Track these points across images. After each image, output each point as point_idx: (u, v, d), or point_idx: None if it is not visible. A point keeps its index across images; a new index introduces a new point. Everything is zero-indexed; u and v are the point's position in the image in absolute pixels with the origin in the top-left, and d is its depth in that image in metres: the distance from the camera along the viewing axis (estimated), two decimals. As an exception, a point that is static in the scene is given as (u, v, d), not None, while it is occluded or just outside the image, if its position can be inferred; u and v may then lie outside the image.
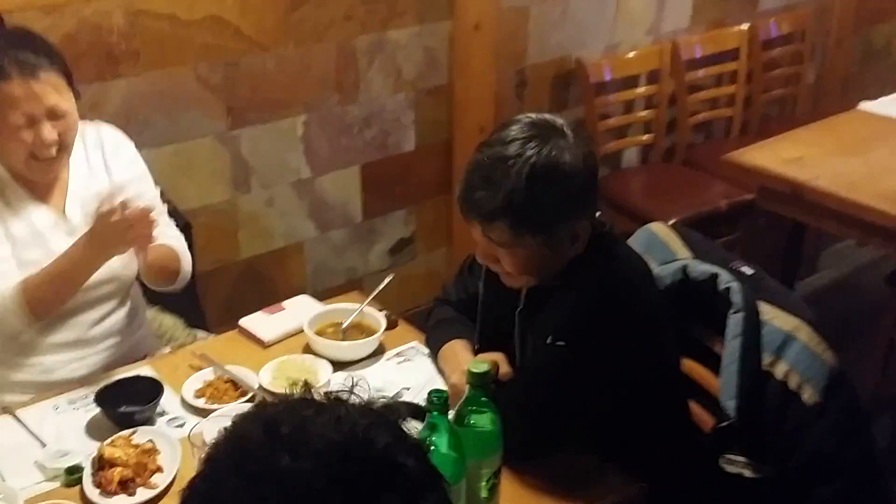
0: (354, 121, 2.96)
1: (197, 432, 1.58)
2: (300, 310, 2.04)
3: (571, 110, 3.47)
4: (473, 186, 1.56)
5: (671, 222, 2.07)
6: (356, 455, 0.79)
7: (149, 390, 1.75)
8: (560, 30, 3.36)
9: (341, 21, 2.84)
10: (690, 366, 1.76)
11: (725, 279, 1.67)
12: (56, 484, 1.57)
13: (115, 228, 1.74)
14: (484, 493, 1.46)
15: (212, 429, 1.55)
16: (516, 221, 1.54)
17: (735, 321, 1.62)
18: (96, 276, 1.89)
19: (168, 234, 2.04)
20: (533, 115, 1.59)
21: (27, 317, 1.82)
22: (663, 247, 1.91)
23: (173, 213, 2.47)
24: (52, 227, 1.91)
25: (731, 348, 1.62)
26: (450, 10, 3.06)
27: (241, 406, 1.74)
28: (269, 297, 2.80)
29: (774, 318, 1.65)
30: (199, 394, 1.79)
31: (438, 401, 1.37)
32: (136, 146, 2.55)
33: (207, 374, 1.85)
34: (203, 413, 1.74)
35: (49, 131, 1.80)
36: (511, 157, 1.52)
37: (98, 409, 1.71)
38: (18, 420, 1.72)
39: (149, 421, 1.72)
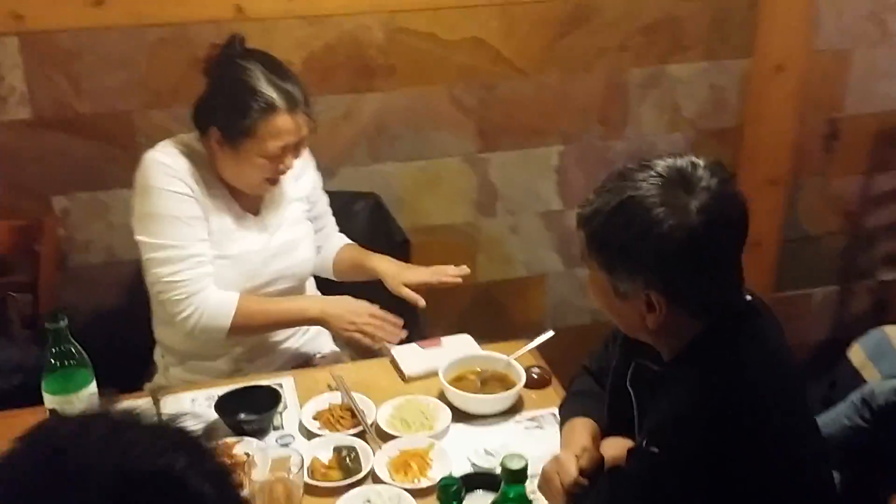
0: (617, 156, 2.78)
1: (280, 456, 1.57)
2: (456, 348, 1.96)
3: (893, 174, 2.98)
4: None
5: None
6: (142, 481, 0.76)
7: (271, 402, 1.77)
8: (891, 79, 2.89)
9: (614, 51, 2.67)
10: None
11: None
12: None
13: (357, 317, 1.90)
14: None
15: (298, 456, 1.54)
16: (589, 237, 1.38)
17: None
18: (273, 272, 1.99)
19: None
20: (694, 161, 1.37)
21: (227, 329, 1.92)
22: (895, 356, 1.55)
23: (397, 230, 2.51)
24: (247, 225, 2.01)
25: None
26: (749, 48, 2.76)
27: (344, 437, 1.70)
28: (503, 325, 2.76)
29: None
30: (317, 416, 1.78)
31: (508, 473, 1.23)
32: (383, 158, 2.63)
33: (336, 397, 1.83)
34: (310, 437, 1.73)
35: (291, 160, 1.91)
36: (626, 182, 1.34)
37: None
38: (156, 404, 1.83)
39: (260, 433, 1.74)
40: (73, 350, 1.60)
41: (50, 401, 1.60)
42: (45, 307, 2.23)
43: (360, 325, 1.90)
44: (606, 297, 1.41)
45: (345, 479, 1.60)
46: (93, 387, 1.62)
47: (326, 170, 2.52)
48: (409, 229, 2.57)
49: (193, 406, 1.84)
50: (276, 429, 1.77)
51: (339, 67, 2.51)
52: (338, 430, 1.74)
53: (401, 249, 2.44)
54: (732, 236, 1.38)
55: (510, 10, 2.55)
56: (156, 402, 1.83)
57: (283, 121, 1.85)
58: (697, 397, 1.33)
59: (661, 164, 1.37)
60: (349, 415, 1.78)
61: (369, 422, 1.74)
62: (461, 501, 1.25)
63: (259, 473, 1.49)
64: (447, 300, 2.77)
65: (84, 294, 2.47)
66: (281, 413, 1.79)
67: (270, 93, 1.83)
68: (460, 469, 1.60)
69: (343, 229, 2.27)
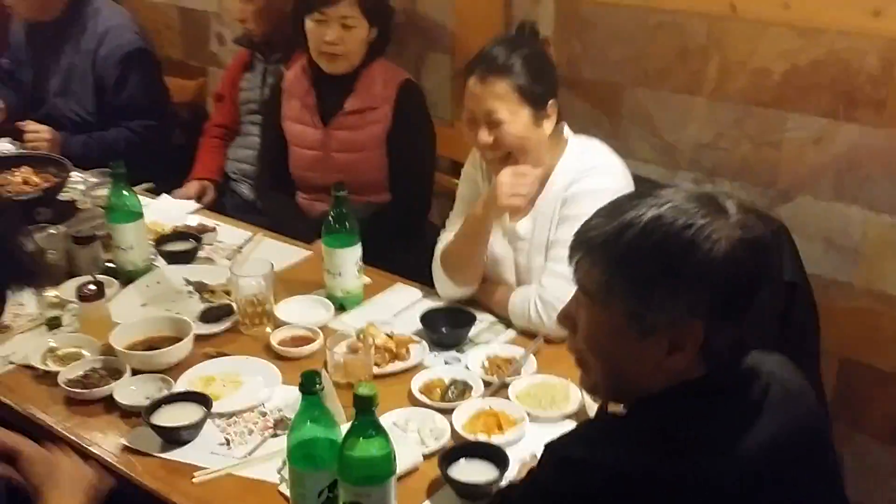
0: None
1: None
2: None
3: None
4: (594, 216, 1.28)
5: None
6: None
7: (467, 321, 2.00)
8: None
9: None
10: None
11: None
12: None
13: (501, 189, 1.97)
14: None
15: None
16: (610, 261, 1.20)
17: None
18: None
19: None
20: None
21: (449, 278, 2.12)
22: None
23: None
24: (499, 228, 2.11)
25: None
26: None
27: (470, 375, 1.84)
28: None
29: None
30: (491, 358, 1.93)
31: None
32: (847, 199, 2.35)
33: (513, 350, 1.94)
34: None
35: (483, 135, 2.00)
36: (649, 199, 1.21)
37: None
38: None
39: (454, 346, 1.97)
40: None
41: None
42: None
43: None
44: (616, 341, 1.22)
45: (436, 399, 1.77)
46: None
47: (782, 193, 2.39)
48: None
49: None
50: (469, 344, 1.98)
51: (821, 88, 2.31)
52: (492, 374, 1.87)
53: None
54: (765, 265, 1.20)
55: None
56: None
57: (472, 85, 1.98)
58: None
59: (684, 186, 1.22)
60: (507, 366, 1.88)
61: (511, 385, 1.82)
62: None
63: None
64: None
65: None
66: (472, 339, 1.98)
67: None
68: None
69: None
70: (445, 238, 2.15)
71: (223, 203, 2.97)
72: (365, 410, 1.35)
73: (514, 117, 1.96)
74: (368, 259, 2.16)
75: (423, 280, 2.22)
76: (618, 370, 1.25)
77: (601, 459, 1.17)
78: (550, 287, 1.94)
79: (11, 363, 1.92)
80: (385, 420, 1.67)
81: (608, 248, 1.19)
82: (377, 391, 1.35)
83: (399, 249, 2.50)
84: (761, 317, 1.20)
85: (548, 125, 2.02)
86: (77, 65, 3.03)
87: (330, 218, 2.06)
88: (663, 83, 2.56)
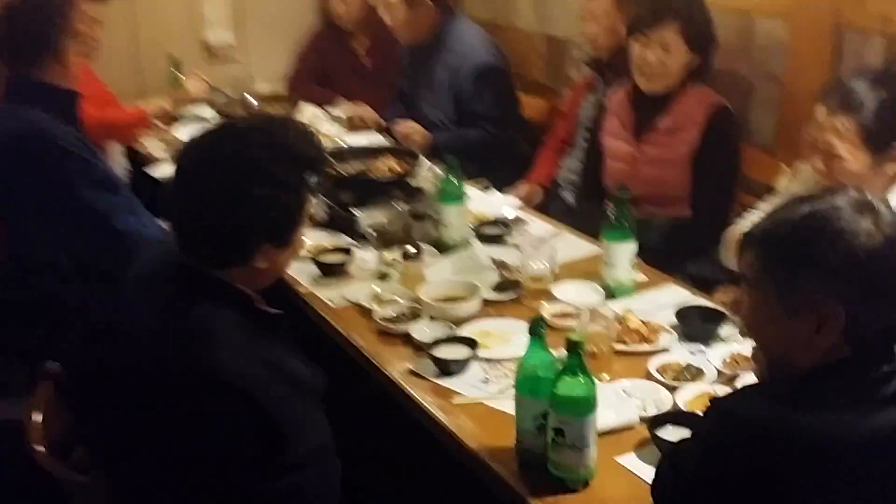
0: None
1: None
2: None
3: None
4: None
5: None
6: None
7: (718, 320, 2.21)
8: None
9: None
10: None
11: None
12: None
13: None
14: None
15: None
16: (766, 253, 1.42)
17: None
18: None
19: None
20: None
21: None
22: None
23: None
24: None
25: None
26: None
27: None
28: None
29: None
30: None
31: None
32: None
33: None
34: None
35: (818, 163, 2.17)
36: (808, 200, 1.41)
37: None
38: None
39: (702, 340, 2.18)
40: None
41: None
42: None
43: None
44: (771, 321, 1.42)
45: (669, 378, 2.02)
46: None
47: None
48: None
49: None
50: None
51: None
52: (730, 369, 2.06)
53: None
54: None
55: None
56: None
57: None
58: None
59: (841, 192, 1.40)
60: (745, 363, 2.06)
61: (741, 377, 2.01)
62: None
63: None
64: None
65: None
66: (723, 337, 2.18)
67: None
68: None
69: None
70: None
71: (549, 206, 3.37)
72: (573, 353, 1.65)
73: (853, 157, 2.07)
74: (661, 266, 2.44)
75: (705, 288, 2.45)
76: (774, 349, 1.44)
77: (750, 413, 1.38)
78: None
79: (347, 300, 2.46)
80: (615, 385, 1.97)
81: (765, 239, 1.40)
82: (584, 338, 1.65)
83: (690, 261, 2.73)
84: None
85: (891, 167, 2.10)
86: (442, 79, 3.63)
87: (611, 216, 2.36)
88: None
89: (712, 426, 1.44)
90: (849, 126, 2.05)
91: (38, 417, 1.81)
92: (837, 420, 1.32)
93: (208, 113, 3.83)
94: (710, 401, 1.49)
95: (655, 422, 1.82)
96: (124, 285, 1.86)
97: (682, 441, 1.59)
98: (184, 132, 3.55)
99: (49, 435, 1.79)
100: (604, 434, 1.81)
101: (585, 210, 3.11)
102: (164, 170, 3.35)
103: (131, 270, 1.89)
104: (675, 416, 1.84)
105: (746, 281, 1.46)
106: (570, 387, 1.66)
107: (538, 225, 2.88)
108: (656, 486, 1.54)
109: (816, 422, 1.32)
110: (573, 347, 1.65)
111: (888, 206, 1.37)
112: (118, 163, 3.50)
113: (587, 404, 1.67)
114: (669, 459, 1.56)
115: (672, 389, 1.97)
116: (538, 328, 1.73)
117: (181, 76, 3.87)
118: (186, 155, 1.81)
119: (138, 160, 3.61)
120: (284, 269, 1.91)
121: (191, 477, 1.65)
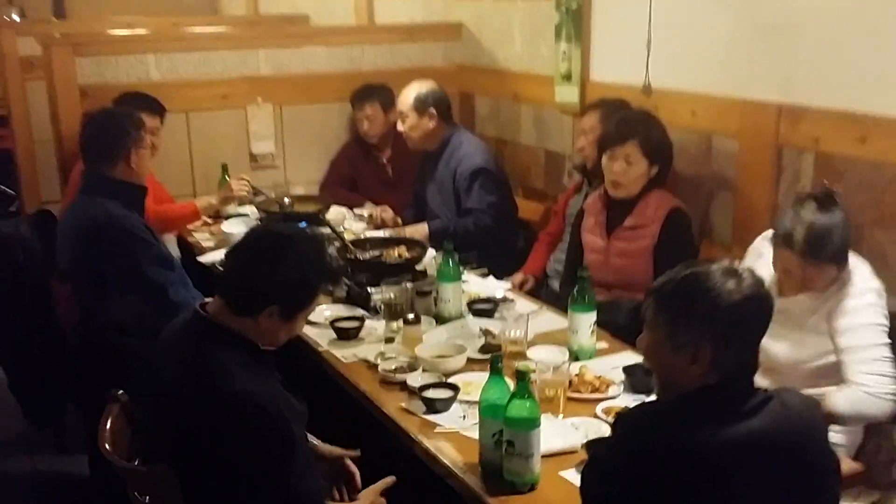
0: None
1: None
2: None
3: None
4: None
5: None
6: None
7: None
8: None
9: None
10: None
11: None
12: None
13: None
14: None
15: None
16: (659, 301, 1.94)
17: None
18: None
19: None
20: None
21: None
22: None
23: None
24: None
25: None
26: None
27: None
28: None
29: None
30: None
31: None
32: None
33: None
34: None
35: (793, 286, 2.71)
36: (691, 266, 1.96)
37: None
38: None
39: (646, 392, 2.67)
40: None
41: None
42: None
43: None
44: (661, 354, 1.93)
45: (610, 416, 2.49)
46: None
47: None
48: None
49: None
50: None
51: None
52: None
53: None
54: (761, 320, 1.88)
55: None
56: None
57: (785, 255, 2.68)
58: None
59: (716, 262, 1.94)
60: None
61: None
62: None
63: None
64: None
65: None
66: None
67: None
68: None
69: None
70: None
71: (540, 293, 3.90)
72: (521, 381, 2.15)
73: (823, 281, 2.60)
74: (627, 339, 2.92)
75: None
76: (663, 375, 1.94)
77: (636, 424, 1.88)
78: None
79: (357, 357, 2.98)
80: (566, 421, 2.45)
81: (658, 292, 1.94)
82: (531, 370, 2.16)
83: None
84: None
85: (829, 270, 2.60)
86: (445, 179, 4.26)
87: (575, 291, 2.88)
88: None
89: (614, 430, 1.94)
90: (817, 268, 2.59)
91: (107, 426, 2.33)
92: (699, 431, 1.80)
93: (250, 211, 4.45)
94: (616, 413, 1.99)
95: (591, 444, 2.30)
96: (162, 338, 2.37)
97: (598, 442, 2.08)
98: (228, 226, 4.16)
99: (116, 441, 2.31)
100: (552, 455, 2.29)
101: (566, 295, 3.63)
102: (211, 257, 3.92)
103: (166, 330, 2.37)
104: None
105: (646, 323, 1.98)
106: (518, 408, 2.15)
107: (523, 303, 3.41)
108: (582, 477, 2.01)
109: (685, 432, 1.81)
110: (521, 377, 2.15)
111: (752, 273, 1.88)
112: (171, 250, 4.09)
113: (532, 421, 2.15)
114: (589, 452, 2.06)
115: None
116: (497, 364, 2.24)
117: (228, 177, 4.50)
118: (252, 230, 2.46)
119: (189, 249, 4.21)
120: (280, 340, 2.36)
121: (228, 482, 2.14)
